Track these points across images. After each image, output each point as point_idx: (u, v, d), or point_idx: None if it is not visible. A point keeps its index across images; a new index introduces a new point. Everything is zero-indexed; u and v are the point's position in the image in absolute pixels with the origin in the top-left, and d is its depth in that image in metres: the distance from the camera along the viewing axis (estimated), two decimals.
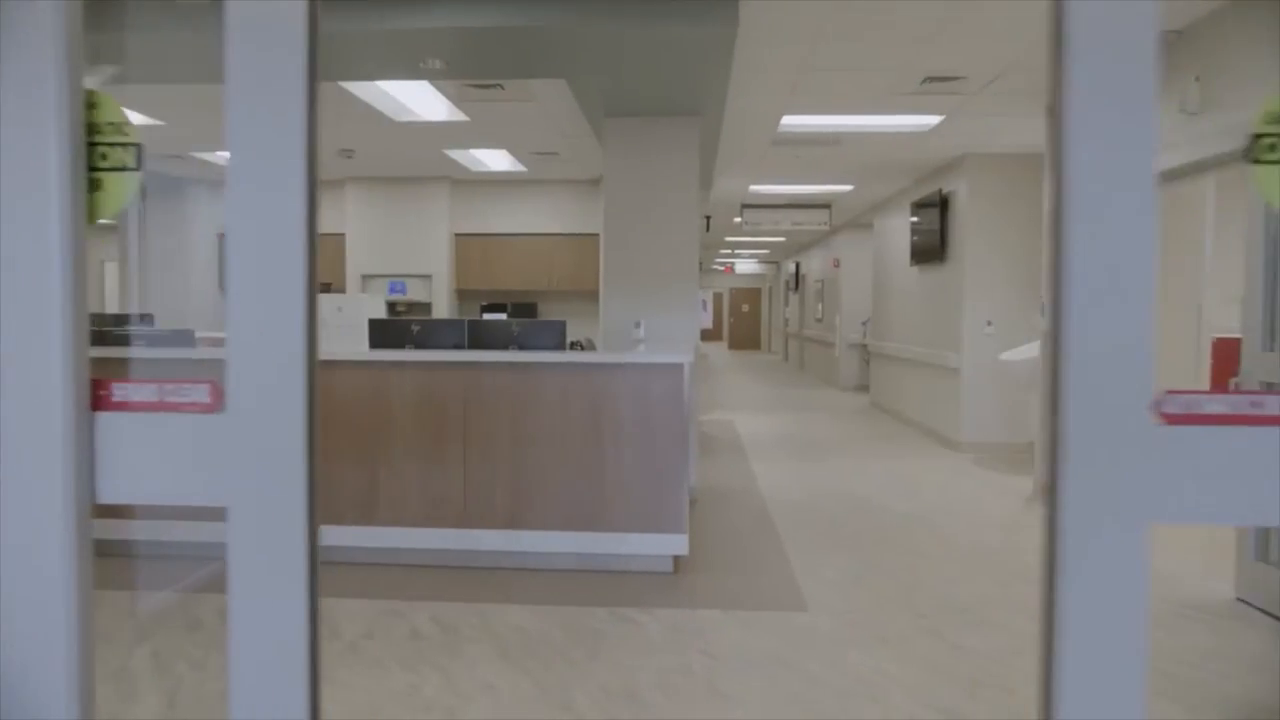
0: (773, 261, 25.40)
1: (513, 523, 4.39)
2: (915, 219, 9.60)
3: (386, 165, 9.49)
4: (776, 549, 4.85)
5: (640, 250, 6.16)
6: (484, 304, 10.47)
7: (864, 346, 13.64)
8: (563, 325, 4.84)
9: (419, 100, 6.64)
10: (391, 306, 10.44)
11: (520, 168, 9.50)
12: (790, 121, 6.98)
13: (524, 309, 10.48)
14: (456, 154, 8.80)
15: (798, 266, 20.03)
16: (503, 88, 6.11)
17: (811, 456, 8.02)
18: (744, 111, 6.57)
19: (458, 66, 5.03)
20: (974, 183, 8.10)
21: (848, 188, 10.47)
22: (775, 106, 6.48)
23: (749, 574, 4.41)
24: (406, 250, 10.23)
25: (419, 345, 4.86)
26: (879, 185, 10.24)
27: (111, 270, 13.10)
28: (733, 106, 6.31)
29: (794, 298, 20.65)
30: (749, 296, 30.49)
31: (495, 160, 9.14)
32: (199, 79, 5.46)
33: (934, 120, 6.83)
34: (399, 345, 4.87)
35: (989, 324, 8.12)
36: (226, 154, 1.08)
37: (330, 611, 3.78)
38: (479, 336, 4.88)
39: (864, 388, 13.67)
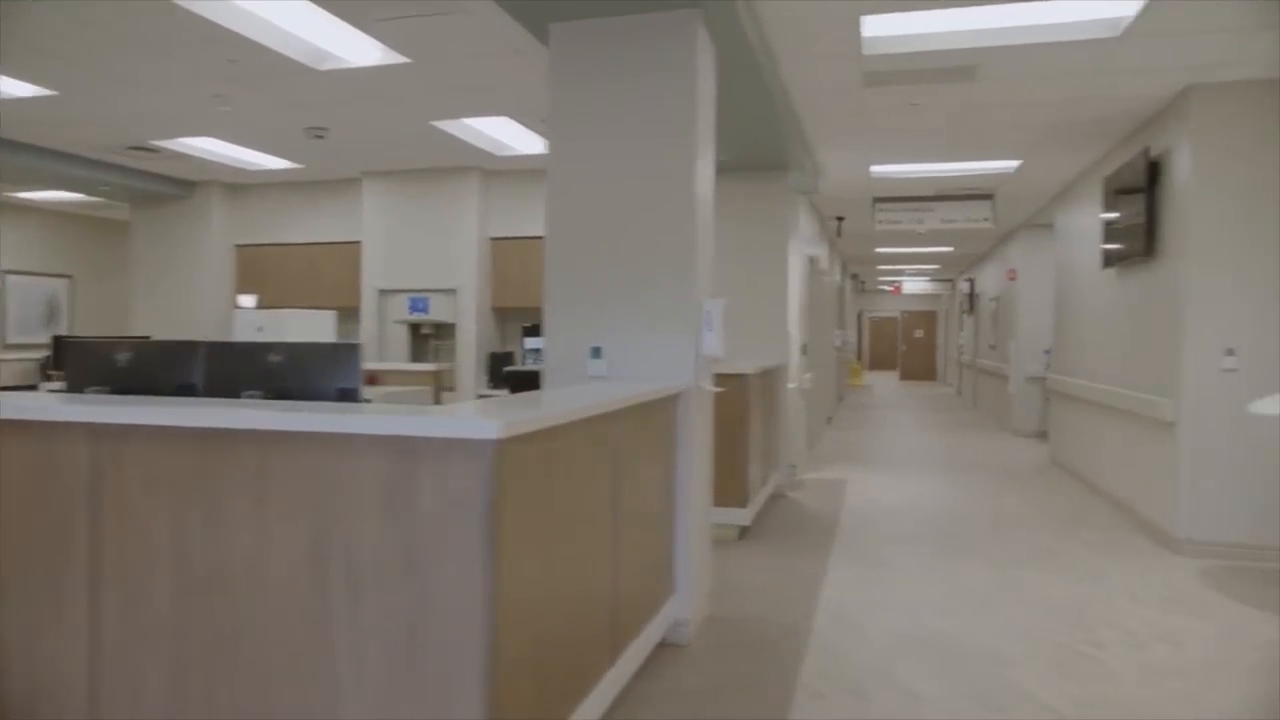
0: (946, 279, 21.92)
1: None
2: (1109, 199, 6.63)
3: (398, 156, 7.64)
4: None
5: (599, 235, 3.80)
6: (526, 325, 8.37)
7: (1045, 382, 10.43)
8: (353, 352, 2.60)
9: (311, 27, 4.66)
10: (415, 328, 8.57)
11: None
12: (879, 32, 4.42)
13: None
14: (462, 133, 6.79)
15: (972, 284, 16.71)
16: None
17: (950, 555, 5.27)
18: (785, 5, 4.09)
19: None
20: (1202, 134, 5.14)
21: (1012, 164, 7.58)
22: None
23: None
24: (429, 259, 8.30)
25: (120, 389, 2.77)
26: (1057, 156, 7.29)
27: None
28: None
29: (969, 320, 17.23)
30: (923, 320, 26.83)
31: (515, 137, 7.04)
32: None
33: (1131, 9, 4.07)
34: (89, 382, 2.80)
35: (1229, 353, 5.11)
36: None
37: None
38: (219, 373, 2.73)
39: (1044, 434, 10.46)
